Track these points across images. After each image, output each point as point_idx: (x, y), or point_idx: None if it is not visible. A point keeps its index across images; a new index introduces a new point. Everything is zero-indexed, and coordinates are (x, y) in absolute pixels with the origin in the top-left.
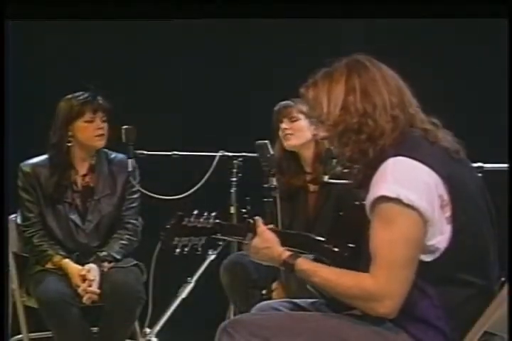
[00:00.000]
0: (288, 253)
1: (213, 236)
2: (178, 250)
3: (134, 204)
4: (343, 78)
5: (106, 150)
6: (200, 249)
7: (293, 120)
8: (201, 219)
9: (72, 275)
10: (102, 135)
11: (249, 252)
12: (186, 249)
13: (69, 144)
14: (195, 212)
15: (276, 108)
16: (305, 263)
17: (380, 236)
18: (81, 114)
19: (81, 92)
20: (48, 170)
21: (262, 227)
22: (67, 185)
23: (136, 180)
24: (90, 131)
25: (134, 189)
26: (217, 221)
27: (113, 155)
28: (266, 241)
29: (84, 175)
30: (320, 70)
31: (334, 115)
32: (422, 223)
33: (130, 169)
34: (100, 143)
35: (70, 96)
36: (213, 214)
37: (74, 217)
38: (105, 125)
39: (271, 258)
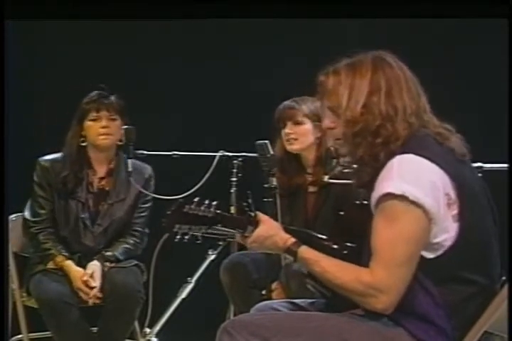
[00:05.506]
0: (292, 240)
1: (214, 226)
2: (178, 237)
3: (145, 213)
4: (369, 74)
5: (126, 155)
6: (200, 238)
7: (297, 123)
8: (202, 207)
9: (74, 278)
10: (108, 134)
11: (252, 242)
12: (186, 237)
13: (83, 144)
14: (196, 199)
15: (280, 108)
16: (308, 252)
17: (382, 233)
18: (86, 112)
19: (93, 92)
20: (61, 166)
21: (265, 216)
22: (78, 183)
23: (151, 188)
24: (94, 129)
25: (147, 198)
26: (219, 211)
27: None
28: (271, 229)
29: (102, 178)
30: (342, 59)
31: (355, 112)
32: (426, 220)
33: (130, 169)
34: (104, 141)
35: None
36: (214, 203)
37: (84, 216)
38: (114, 124)
39: (276, 246)
